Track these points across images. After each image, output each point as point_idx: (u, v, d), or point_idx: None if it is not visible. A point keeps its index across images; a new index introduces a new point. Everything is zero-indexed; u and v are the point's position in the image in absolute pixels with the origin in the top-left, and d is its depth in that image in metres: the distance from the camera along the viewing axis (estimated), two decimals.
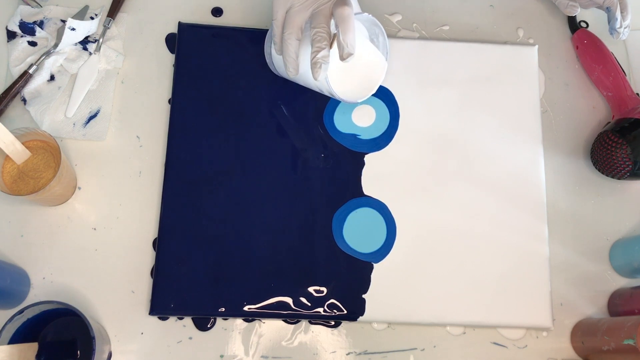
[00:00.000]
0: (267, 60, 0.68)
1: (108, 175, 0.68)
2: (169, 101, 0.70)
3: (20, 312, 0.54)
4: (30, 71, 0.69)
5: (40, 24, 0.71)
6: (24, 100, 0.69)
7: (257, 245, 0.66)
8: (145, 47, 0.73)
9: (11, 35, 0.71)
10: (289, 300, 0.64)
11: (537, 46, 0.75)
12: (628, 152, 0.65)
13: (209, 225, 0.66)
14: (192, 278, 0.64)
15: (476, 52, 0.74)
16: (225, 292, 0.64)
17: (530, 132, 0.72)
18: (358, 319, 0.65)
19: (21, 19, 0.71)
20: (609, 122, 0.70)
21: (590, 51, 0.74)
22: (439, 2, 0.78)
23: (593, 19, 0.78)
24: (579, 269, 0.69)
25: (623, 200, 0.72)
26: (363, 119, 0.70)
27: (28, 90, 0.69)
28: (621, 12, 0.71)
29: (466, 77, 0.73)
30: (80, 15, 0.72)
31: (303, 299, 0.64)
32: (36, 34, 0.71)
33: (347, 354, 0.65)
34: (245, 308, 0.64)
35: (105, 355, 0.61)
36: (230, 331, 0.64)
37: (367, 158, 0.69)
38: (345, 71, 0.64)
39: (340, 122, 0.70)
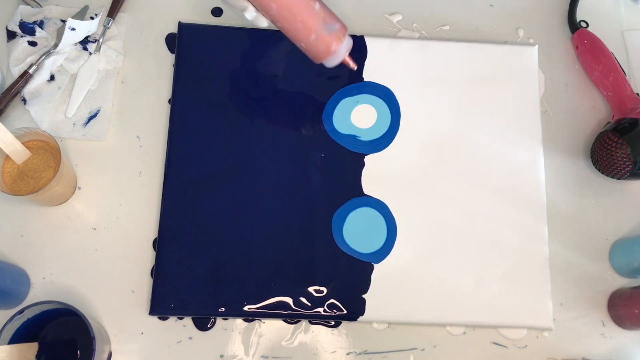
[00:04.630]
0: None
1: (108, 175, 0.68)
2: (169, 101, 0.70)
3: (20, 312, 0.54)
4: (30, 71, 0.69)
5: (40, 24, 0.71)
6: (24, 100, 0.69)
7: (257, 245, 0.66)
8: (145, 47, 0.73)
9: (11, 35, 0.71)
10: (289, 300, 0.64)
11: (537, 46, 0.75)
12: (628, 152, 0.65)
13: (209, 225, 0.66)
14: (192, 278, 0.64)
15: (476, 52, 0.74)
16: (225, 292, 0.64)
17: (530, 132, 0.72)
18: (358, 319, 0.65)
19: (21, 19, 0.71)
20: (609, 122, 0.70)
21: (590, 51, 0.74)
22: (439, 2, 0.78)
23: (593, 19, 0.78)
24: (579, 269, 0.69)
25: (623, 200, 0.72)
26: (363, 120, 0.70)
27: (28, 90, 0.69)
28: None
29: (466, 77, 0.73)
30: (80, 15, 0.72)
31: (303, 299, 0.64)
32: (36, 34, 0.71)
33: (347, 354, 0.65)
34: (245, 308, 0.64)
35: (105, 355, 0.61)
36: (230, 331, 0.64)
37: (368, 158, 0.69)
38: None
39: (340, 123, 0.70)
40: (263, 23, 0.58)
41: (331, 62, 0.63)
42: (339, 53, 0.62)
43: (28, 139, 0.62)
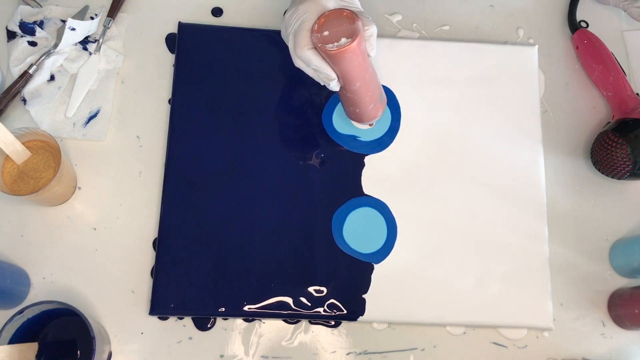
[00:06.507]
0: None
1: (108, 175, 0.68)
2: (169, 101, 0.70)
3: (20, 312, 0.54)
4: (30, 71, 0.69)
5: (40, 24, 0.71)
6: (24, 100, 0.69)
7: (257, 245, 0.66)
8: (145, 47, 0.73)
9: (11, 35, 0.71)
10: (289, 300, 0.64)
11: (537, 46, 0.75)
12: (628, 152, 0.65)
13: (209, 225, 0.66)
14: (192, 278, 0.64)
15: (476, 52, 0.74)
16: (225, 292, 0.64)
17: (530, 132, 0.72)
18: (358, 319, 0.65)
19: (21, 19, 0.71)
20: (609, 122, 0.70)
21: (590, 51, 0.74)
22: (439, 2, 0.78)
23: (593, 19, 0.78)
24: (579, 269, 0.69)
25: (623, 200, 0.72)
26: None
27: (28, 90, 0.69)
28: None
29: (466, 77, 0.73)
30: (80, 15, 0.72)
31: (303, 299, 0.64)
32: (36, 34, 0.71)
33: (347, 354, 0.65)
34: (245, 308, 0.64)
35: (105, 355, 0.61)
36: (230, 331, 0.64)
37: (368, 158, 0.69)
38: None
39: (339, 123, 0.70)
40: (336, 89, 0.61)
41: (368, 123, 0.67)
42: (379, 117, 0.66)
43: (28, 139, 0.62)
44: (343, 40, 0.56)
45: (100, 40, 0.71)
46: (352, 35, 0.55)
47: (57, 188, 0.62)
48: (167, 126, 0.69)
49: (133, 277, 0.65)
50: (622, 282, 0.69)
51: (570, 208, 0.71)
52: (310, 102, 0.71)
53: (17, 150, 0.61)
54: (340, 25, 0.56)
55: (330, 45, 0.56)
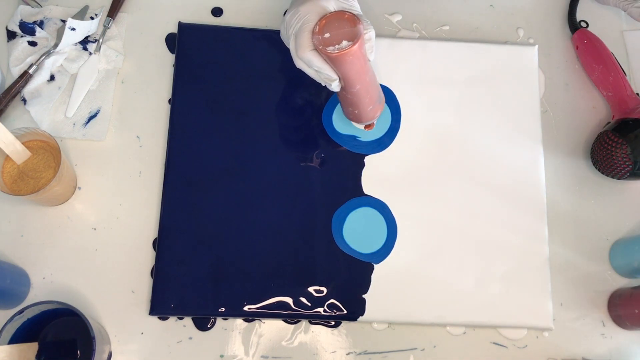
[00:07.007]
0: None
1: (108, 175, 0.68)
2: (169, 101, 0.70)
3: (20, 312, 0.54)
4: (30, 71, 0.69)
5: (40, 24, 0.71)
6: (24, 100, 0.69)
7: (257, 245, 0.66)
8: (145, 47, 0.73)
9: (11, 35, 0.71)
10: (289, 300, 0.64)
11: (537, 46, 0.75)
12: (628, 152, 0.65)
13: (209, 225, 0.66)
14: (192, 278, 0.64)
15: (476, 52, 0.74)
16: (225, 292, 0.64)
17: (530, 132, 0.72)
18: (358, 319, 0.65)
19: (21, 19, 0.71)
20: (609, 122, 0.70)
21: (590, 51, 0.74)
22: (439, 2, 0.78)
23: (593, 19, 0.78)
24: (579, 269, 0.69)
25: (623, 200, 0.72)
26: None
27: (28, 90, 0.69)
28: None
29: (466, 77, 0.73)
30: (80, 15, 0.72)
31: (303, 299, 0.64)
32: (36, 34, 0.71)
33: (347, 354, 0.65)
34: (245, 308, 0.64)
35: (105, 355, 0.61)
36: (230, 331, 0.64)
37: (368, 158, 0.69)
38: None
39: (339, 123, 0.70)
40: (337, 90, 0.61)
41: (366, 124, 0.67)
42: (377, 119, 0.66)
43: (28, 139, 0.62)
44: (344, 43, 0.55)
45: (100, 40, 0.71)
46: (354, 38, 0.55)
47: (57, 188, 0.62)
48: (167, 126, 0.69)
49: (133, 277, 0.65)
50: (622, 282, 0.69)
51: (570, 208, 0.71)
52: (310, 102, 0.71)
53: (17, 150, 0.61)
54: (341, 27, 0.56)
55: (331, 47, 0.56)
